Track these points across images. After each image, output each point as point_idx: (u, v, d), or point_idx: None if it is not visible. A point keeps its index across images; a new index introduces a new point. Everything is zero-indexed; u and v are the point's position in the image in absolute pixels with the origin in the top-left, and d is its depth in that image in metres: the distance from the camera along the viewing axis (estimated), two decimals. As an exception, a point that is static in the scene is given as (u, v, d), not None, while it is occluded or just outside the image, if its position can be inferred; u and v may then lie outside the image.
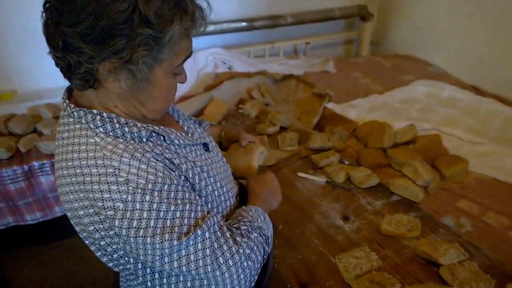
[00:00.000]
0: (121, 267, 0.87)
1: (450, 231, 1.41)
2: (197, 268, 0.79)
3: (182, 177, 0.86)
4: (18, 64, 2.41)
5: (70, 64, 0.74)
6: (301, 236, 1.43)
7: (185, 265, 0.79)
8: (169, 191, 0.78)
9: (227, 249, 0.83)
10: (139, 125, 0.84)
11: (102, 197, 0.74)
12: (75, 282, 2.14)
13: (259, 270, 0.92)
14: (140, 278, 0.87)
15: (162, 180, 0.78)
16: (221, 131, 1.33)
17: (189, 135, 1.02)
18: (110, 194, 0.74)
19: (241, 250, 0.85)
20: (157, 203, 0.76)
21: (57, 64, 0.77)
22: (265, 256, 0.94)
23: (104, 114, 0.81)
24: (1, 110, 2.38)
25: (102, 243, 0.82)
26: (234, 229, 0.90)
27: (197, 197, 0.86)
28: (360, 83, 2.73)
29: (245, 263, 0.85)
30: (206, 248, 0.80)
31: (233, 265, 0.83)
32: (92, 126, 0.80)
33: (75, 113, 0.81)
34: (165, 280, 0.86)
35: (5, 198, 2.02)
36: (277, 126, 2.15)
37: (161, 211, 0.76)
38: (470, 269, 1.19)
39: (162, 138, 0.88)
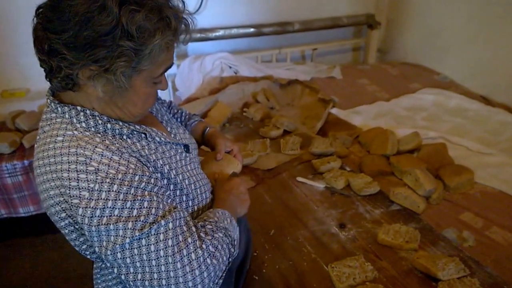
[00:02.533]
0: (95, 255, 0.85)
1: (451, 245, 1.29)
2: (157, 258, 0.76)
3: (159, 175, 0.86)
4: (32, 63, 2.36)
5: (52, 67, 0.75)
6: (293, 242, 1.33)
7: (145, 254, 0.75)
8: (139, 181, 0.77)
9: (191, 242, 0.80)
10: (120, 123, 0.85)
11: (70, 185, 0.74)
12: (63, 275, 2.08)
13: (223, 272, 0.88)
14: (110, 274, 0.83)
15: (133, 171, 0.77)
16: (204, 128, 1.26)
17: (172, 135, 1.02)
18: (78, 182, 0.74)
19: (204, 246, 0.82)
20: (124, 193, 0.75)
21: (41, 66, 0.78)
22: (230, 259, 0.91)
23: (88, 111, 0.81)
24: (13, 107, 2.39)
25: (74, 231, 0.81)
26: (200, 226, 0.88)
27: (166, 193, 0.85)
28: (366, 90, 2.63)
29: (208, 260, 0.81)
30: (168, 239, 0.77)
31: (195, 259, 0.79)
32: (74, 121, 0.80)
33: (59, 109, 0.82)
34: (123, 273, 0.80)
35: (1, 191, 1.99)
36: (281, 129, 2.06)
37: (127, 201, 0.75)
38: (471, 286, 1.08)
39: (143, 135, 0.88)
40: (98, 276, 0.97)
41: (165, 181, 0.88)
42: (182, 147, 1.00)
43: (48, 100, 0.84)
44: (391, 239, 1.27)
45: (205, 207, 0.99)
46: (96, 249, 0.76)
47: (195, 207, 0.96)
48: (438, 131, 2.04)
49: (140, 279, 0.77)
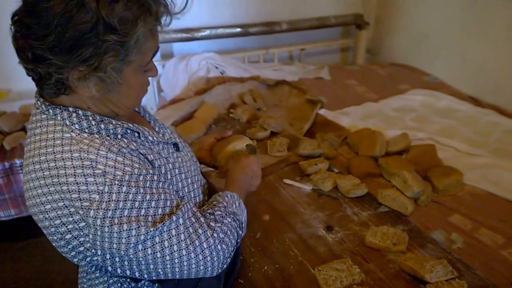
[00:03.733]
0: (88, 259, 0.85)
1: (439, 247, 1.30)
2: (171, 253, 0.81)
3: (156, 171, 0.88)
4: (13, 64, 2.34)
5: (40, 75, 0.75)
6: (280, 245, 1.32)
7: (159, 251, 0.80)
8: (145, 180, 0.80)
9: (202, 233, 0.85)
10: (114, 122, 0.85)
11: (79, 189, 0.74)
12: (46, 281, 2.05)
13: (232, 253, 0.93)
14: (109, 268, 0.84)
15: (138, 171, 0.79)
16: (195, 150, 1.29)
17: (161, 134, 1.04)
18: (87, 186, 0.74)
19: (215, 235, 0.87)
20: (133, 193, 0.77)
21: (28, 75, 0.78)
22: (238, 240, 0.97)
23: (80, 112, 0.81)
24: (-6, 108, 2.34)
25: (68, 236, 0.80)
26: (208, 214, 0.93)
27: (170, 186, 0.89)
28: (354, 91, 2.64)
29: (219, 246, 0.88)
30: (180, 234, 0.82)
31: (207, 247, 0.85)
32: (68, 122, 0.80)
33: (50, 111, 0.81)
34: (136, 270, 0.84)
35: (-20, 194, 1.95)
36: (268, 131, 2.05)
37: (136, 200, 0.77)
38: (459, 289, 1.08)
39: (136, 134, 0.89)
40: (84, 280, 0.97)
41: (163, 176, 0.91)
42: (172, 146, 1.02)
43: (38, 102, 0.83)
44: (379, 242, 1.27)
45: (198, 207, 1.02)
46: (114, 246, 0.78)
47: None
48: (427, 132, 2.05)
49: (155, 272, 0.83)
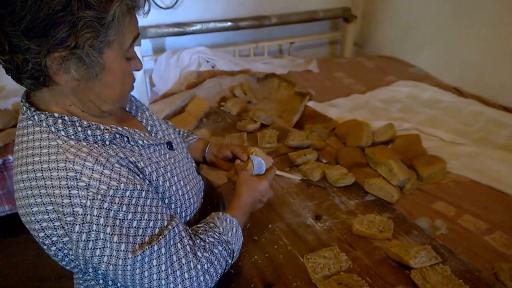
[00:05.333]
0: (72, 266, 0.83)
1: (423, 234, 1.30)
2: (150, 281, 0.77)
3: (146, 181, 0.83)
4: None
5: (18, 65, 0.70)
6: (269, 234, 1.32)
7: (138, 275, 0.76)
8: (130, 197, 0.75)
9: (185, 263, 0.80)
10: (102, 127, 0.80)
11: (63, 202, 0.71)
12: (40, 276, 2.03)
13: (216, 281, 0.88)
14: (93, 279, 0.81)
15: (124, 186, 0.74)
16: (205, 146, 1.25)
17: (153, 134, 0.99)
18: (70, 199, 0.70)
19: (199, 266, 0.82)
20: (114, 210, 0.72)
21: (7, 70, 0.73)
22: (226, 268, 0.91)
23: (66, 118, 0.77)
24: (-14, 105, 2.28)
25: (53, 248, 0.78)
26: (199, 240, 0.87)
27: (160, 203, 0.82)
28: (342, 83, 2.63)
29: (201, 278, 0.83)
30: (161, 264, 0.77)
31: (188, 278, 0.80)
32: (53, 129, 0.76)
33: (35, 117, 0.77)
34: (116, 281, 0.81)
35: (-26, 190, 1.92)
36: (258, 123, 2.05)
37: (117, 218, 0.73)
38: (442, 274, 1.08)
39: (126, 139, 0.84)
40: (80, 281, 0.94)
41: (153, 188, 0.85)
42: (165, 146, 0.96)
43: (24, 107, 0.79)
44: (365, 229, 1.27)
45: (193, 212, 0.97)
46: (95, 265, 0.75)
47: (183, 214, 0.94)
48: (412, 123, 2.06)
49: None
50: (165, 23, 2.59)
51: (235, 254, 0.94)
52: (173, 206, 0.90)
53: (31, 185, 0.73)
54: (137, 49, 2.48)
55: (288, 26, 3.05)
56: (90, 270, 0.81)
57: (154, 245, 0.76)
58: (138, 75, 2.58)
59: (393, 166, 1.50)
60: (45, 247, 0.79)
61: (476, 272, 1.15)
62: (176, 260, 0.79)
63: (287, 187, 1.56)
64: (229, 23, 2.81)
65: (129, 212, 0.74)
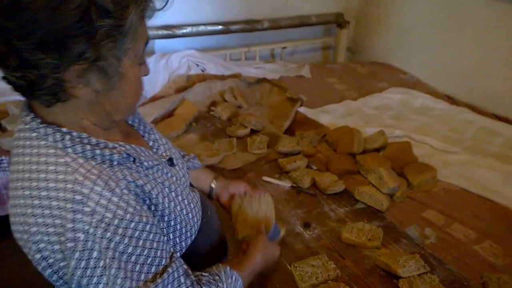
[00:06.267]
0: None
1: (412, 242, 1.32)
2: None
3: (152, 207, 0.80)
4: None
5: (32, 81, 0.65)
6: (257, 243, 1.32)
7: None
8: (134, 229, 0.72)
9: None
10: (110, 145, 0.76)
11: (66, 225, 0.67)
12: (24, 283, 1.98)
13: None
14: None
15: (130, 217, 0.71)
16: (213, 178, 1.20)
17: (154, 149, 0.95)
18: (73, 223, 0.67)
19: None
20: (115, 242, 0.69)
21: (16, 87, 0.68)
22: None
23: (74, 133, 0.73)
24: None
25: (48, 270, 0.73)
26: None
27: (161, 239, 0.78)
28: (334, 89, 2.66)
29: None
30: None
31: None
32: (60, 145, 0.71)
33: (41, 130, 0.72)
34: None
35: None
36: (248, 128, 2.06)
37: (117, 251, 0.69)
38: (430, 283, 1.10)
39: (132, 160, 0.80)
40: None
41: (159, 212, 0.83)
42: (167, 163, 0.93)
43: (28, 118, 0.73)
44: (355, 238, 1.29)
45: (197, 230, 0.95)
46: None
47: (188, 233, 0.91)
48: (403, 130, 2.09)
49: None
50: (154, 26, 2.59)
51: None
52: (178, 227, 0.88)
53: (33, 203, 0.69)
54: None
55: (281, 31, 3.07)
56: None
57: (158, 284, 0.74)
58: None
59: (383, 174, 1.52)
60: (39, 267, 0.75)
61: (464, 282, 1.17)
62: None
63: (277, 194, 1.58)
64: (220, 27, 2.82)
65: (130, 246, 0.71)
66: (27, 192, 0.70)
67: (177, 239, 0.88)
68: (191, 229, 0.91)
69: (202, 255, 0.97)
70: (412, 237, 1.35)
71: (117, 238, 0.69)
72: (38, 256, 0.72)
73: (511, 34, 2.22)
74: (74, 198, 0.67)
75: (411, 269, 1.14)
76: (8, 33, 0.61)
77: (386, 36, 3.12)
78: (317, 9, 3.14)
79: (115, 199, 0.70)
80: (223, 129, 2.10)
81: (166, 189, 0.85)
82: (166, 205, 0.84)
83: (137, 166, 0.81)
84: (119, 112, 0.79)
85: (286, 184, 1.63)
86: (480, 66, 2.42)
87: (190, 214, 0.92)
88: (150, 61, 2.63)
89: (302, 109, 2.30)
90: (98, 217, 0.68)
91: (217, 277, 0.87)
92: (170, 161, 0.95)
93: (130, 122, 0.97)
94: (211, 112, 2.29)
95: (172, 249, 0.85)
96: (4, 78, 0.67)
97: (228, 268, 0.90)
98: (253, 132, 2.07)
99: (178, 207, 0.88)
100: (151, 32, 2.59)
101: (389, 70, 2.95)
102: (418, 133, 2.06)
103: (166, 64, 2.60)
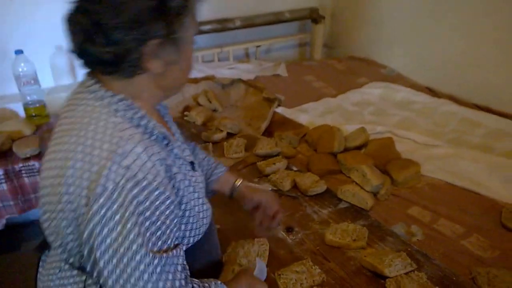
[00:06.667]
0: (69, 246, 0.87)
1: (399, 240, 1.34)
2: (135, 283, 0.77)
3: (175, 190, 0.89)
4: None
5: (118, 55, 0.80)
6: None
7: (127, 273, 0.77)
8: (157, 197, 0.80)
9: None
10: (153, 122, 0.89)
11: (101, 172, 0.77)
12: None
13: None
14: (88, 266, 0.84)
15: (157, 184, 0.80)
16: (236, 178, 1.30)
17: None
18: (108, 172, 0.77)
19: None
20: (138, 200, 0.77)
21: (102, 61, 0.82)
22: None
23: (128, 102, 0.86)
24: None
25: (69, 217, 0.82)
26: (192, 284, 0.88)
27: (175, 222, 0.86)
28: (312, 87, 2.68)
29: None
30: (159, 281, 0.79)
31: None
32: (113, 108, 0.85)
33: (99, 93, 0.86)
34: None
35: None
36: (224, 132, 2.06)
37: (137, 209, 0.77)
38: (418, 281, 1.12)
39: (166, 143, 0.92)
40: (54, 277, 0.94)
41: (179, 198, 0.91)
42: (189, 165, 1.02)
43: (91, 82, 0.87)
44: (339, 239, 1.29)
45: (202, 234, 1.02)
46: (95, 252, 0.78)
47: (193, 232, 0.98)
48: (385, 125, 2.12)
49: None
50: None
51: None
52: (191, 220, 0.96)
53: (76, 149, 0.81)
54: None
55: (254, 29, 3.07)
56: (84, 254, 0.82)
57: (163, 258, 0.80)
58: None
59: (366, 171, 1.54)
60: (62, 214, 0.83)
61: (453, 277, 1.19)
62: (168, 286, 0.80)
63: (257, 199, 1.57)
64: (190, 27, 2.81)
65: (149, 210, 0.79)
66: (73, 139, 0.82)
67: (187, 233, 0.96)
68: (199, 228, 0.99)
69: (197, 270, 1.00)
70: (398, 235, 1.36)
71: (141, 198, 0.78)
72: (65, 198, 0.81)
73: (490, 23, 2.27)
74: (116, 150, 0.78)
75: (397, 268, 1.15)
76: (96, 15, 0.77)
77: (363, 29, 3.16)
78: (290, 5, 3.15)
79: (149, 164, 0.80)
80: (198, 134, 2.09)
81: (187, 181, 0.95)
82: (186, 194, 0.93)
83: (168, 150, 0.92)
84: (174, 88, 0.96)
85: (266, 188, 1.63)
86: (460, 56, 2.47)
87: (201, 214, 1.00)
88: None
89: (280, 109, 2.31)
90: (131, 173, 0.77)
91: (206, 285, 0.92)
92: (192, 165, 1.04)
93: (166, 119, 1.08)
94: (185, 118, 2.28)
95: (179, 239, 0.93)
96: (88, 55, 0.83)
97: (219, 282, 0.95)
98: (230, 135, 2.07)
99: (193, 202, 0.97)
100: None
101: (368, 65, 2.99)
102: (400, 128, 2.09)
103: (134, 69, 2.57)
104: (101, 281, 0.81)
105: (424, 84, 2.66)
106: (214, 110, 2.37)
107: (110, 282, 0.78)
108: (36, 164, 1.98)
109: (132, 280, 0.77)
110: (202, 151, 1.33)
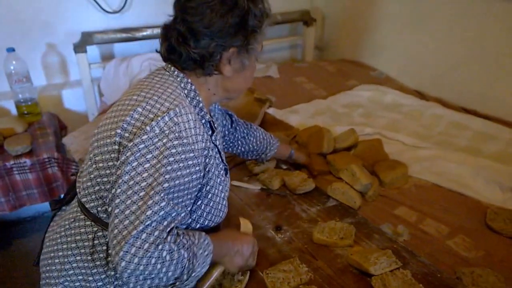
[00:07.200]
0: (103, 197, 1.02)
1: (385, 237, 1.36)
2: (141, 211, 0.86)
3: (205, 167, 1.04)
4: None
5: (204, 56, 1.02)
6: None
7: (135, 199, 0.87)
8: (186, 161, 0.94)
9: (155, 236, 0.86)
10: (205, 110, 1.10)
11: (156, 118, 0.93)
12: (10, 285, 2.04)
13: (153, 277, 0.88)
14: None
15: (193, 149, 0.96)
16: (288, 150, 1.74)
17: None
18: (161, 119, 0.93)
19: (160, 247, 0.86)
20: (174, 158, 0.92)
21: (190, 59, 1.03)
22: (176, 280, 0.93)
23: (193, 87, 1.07)
24: None
25: (112, 156, 0.97)
26: (176, 234, 0.93)
27: (191, 195, 1.00)
28: (303, 88, 2.70)
29: (152, 259, 0.85)
30: (157, 219, 0.88)
31: (140, 247, 0.84)
32: (182, 85, 1.06)
33: (175, 72, 1.07)
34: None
35: None
36: (215, 133, 2.06)
37: (170, 165, 0.91)
38: (403, 278, 1.14)
39: (210, 132, 1.12)
40: (68, 227, 1.07)
41: (205, 180, 1.06)
42: (223, 169, 1.17)
43: (169, 65, 1.09)
44: (326, 237, 1.31)
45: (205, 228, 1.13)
46: (118, 172, 0.92)
47: (205, 222, 1.12)
48: (374, 127, 2.14)
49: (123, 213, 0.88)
50: (113, 29, 2.57)
51: (193, 273, 0.96)
52: (211, 204, 1.11)
53: (142, 101, 0.98)
54: (83, 56, 2.46)
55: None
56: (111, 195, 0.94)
57: (168, 206, 0.89)
58: (85, 84, 2.55)
59: (355, 171, 1.56)
60: (104, 156, 0.99)
61: (437, 274, 1.21)
62: (155, 228, 0.87)
63: (246, 198, 1.59)
64: (183, 28, 2.81)
65: (179, 170, 0.93)
66: (142, 94, 1.00)
67: (204, 213, 1.10)
68: (209, 221, 1.12)
69: None
70: (384, 232, 1.38)
71: (176, 150, 0.92)
72: (117, 135, 0.96)
73: (478, 27, 2.31)
74: (175, 109, 0.96)
75: (382, 265, 1.17)
76: (192, 24, 1.00)
77: (354, 32, 3.19)
78: (282, 7, 3.17)
79: (193, 131, 0.98)
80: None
81: (216, 172, 1.10)
82: (211, 182, 1.08)
83: (213, 140, 1.11)
84: (235, 91, 1.16)
85: (255, 187, 1.65)
86: (448, 60, 2.51)
87: (220, 206, 1.15)
88: (110, 66, 2.60)
89: (271, 110, 2.32)
90: (177, 128, 0.94)
91: (191, 233, 0.99)
92: (226, 171, 1.20)
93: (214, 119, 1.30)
94: (176, 117, 2.28)
95: (196, 216, 1.09)
96: (178, 54, 1.04)
97: (203, 233, 1.04)
98: (221, 135, 2.07)
99: (214, 195, 1.11)
100: (109, 36, 2.57)
101: (358, 67, 3.02)
102: (388, 130, 2.11)
103: (126, 69, 2.57)
104: (109, 208, 0.94)
105: (412, 87, 2.70)
106: (206, 110, 2.38)
107: (117, 201, 0.88)
108: (28, 161, 1.98)
109: (134, 208, 0.86)
110: (260, 130, 1.66)
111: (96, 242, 1.01)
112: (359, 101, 2.51)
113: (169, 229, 0.90)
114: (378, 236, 1.37)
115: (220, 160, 1.16)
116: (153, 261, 0.85)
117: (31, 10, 2.33)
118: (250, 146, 1.60)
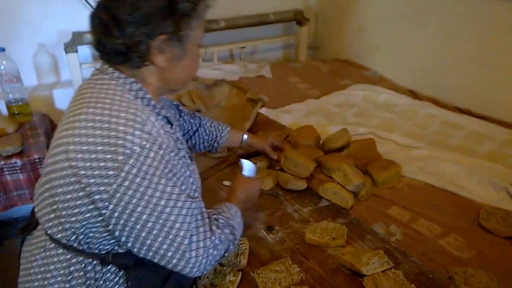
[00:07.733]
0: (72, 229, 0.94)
1: (377, 237, 1.35)
2: (170, 229, 0.90)
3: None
4: None
5: (129, 46, 0.91)
6: (218, 250, 1.32)
7: (161, 222, 0.89)
8: (174, 157, 0.94)
9: (203, 232, 0.95)
10: (159, 105, 1.02)
11: (125, 137, 0.86)
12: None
13: (216, 263, 1.02)
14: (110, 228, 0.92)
15: (172, 148, 0.93)
16: (244, 132, 1.72)
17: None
18: (133, 136, 0.86)
19: (213, 238, 0.97)
20: (166, 160, 0.90)
21: (115, 51, 0.93)
22: (227, 252, 1.05)
23: (139, 85, 0.98)
24: None
25: (97, 197, 0.88)
26: (213, 218, 1.04)
27: (188, 180, 1.00)
28: (297, 88, 2.68)
29: (211, 250, 0.96)
30: (190, 221, 0.92)
31: (202, 247, 0.94)
32: (127, 87, 0.96)
33: (115, 74, 0.96)
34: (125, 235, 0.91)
35: None
36: (207, 132, 2.05)
37: (167, 168, 0.90)
38: (395, 279, 1.13)
39: (170, 125, 1.05)
40: (38, 257, 1.00)
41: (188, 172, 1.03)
42: (188, 157, 1.11)
43: (106, 66, 0.98)
44: (318, 238, 1.30)
45: None
46: (130, 206, 0.87)
47: None
48: (367, 127, 2.13)
49: (140, 243, 0.91)
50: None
51: (236, 241, 1.07)
52: None
53: (94, 118, 0.89)
54: (74, 56, 2.45)
55: (239, 30, 3.07)
56: (116, 215, 0.88)
57: (193, 202, 0.94)
58: (76, 84, 2.53)
59: (347, 171, 1.55)
60: (90, 194, 0.88)
61: (430, 275, 1.20)
62: (195, 227, 0.94)
63: (238, 198, 1.57)
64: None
65: (175, 167, 0.92)
66: (91, 110, 0.90)
67: None
68: None
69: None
70: (377, 232, 1.37)
71: (167, 157, 0.91)
72: (80, 165, 0.87)
73: (471, 27, 2.31)
74: (135, 119, 0.89)
75: (374, 266, 1.16)
76: (115, 10, 0.89)
77: (347, 32, 3.18)
78: (275, 7, 3.16)
79: (162, 131, 0.93)
80: (181, 134, 2.08)
81: (185, 164, 1.03)
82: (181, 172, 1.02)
83: (172, 133, 1.03)
84: (176, 83, 1.06)
85: (248, 187, 1.63)
86: (442, 59, 2.51)
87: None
88: (98, 66, 2.58)
89: (263, 110, 2.31)
90: (153, 137, 0.89)
91: (220, 210, 1.09)
92: (190, 158, 1.13)
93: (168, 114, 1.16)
94: (169, 117, 2.27)
95: None
96: (102, 46, 0.94)
97: (227, 202, 1.14)
98: (213, 135, 2.06)
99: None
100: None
101: (351, 67, 3.01)
102: (382, 130, 2.11)
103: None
104: (130, 241, 0.91)
105: (406, 87, 2.69)
106: (198, 111, 2.36)
107: (150, 236, 0.89)
108: (18, 161, 1.95)
109: (177, 225, 0.90)
110: (206, 119, 1.60)
111: (72, 268, 0.97)
112: (353, 100, 2.50)
113: (207, 219, 0.98)
114: (370, 236, 1.36)
115: (186, 151, 1.11)
116: (214, 252, 0.98)
117: (21, 10, 2.31)
118: (201, 137, 1.58)
